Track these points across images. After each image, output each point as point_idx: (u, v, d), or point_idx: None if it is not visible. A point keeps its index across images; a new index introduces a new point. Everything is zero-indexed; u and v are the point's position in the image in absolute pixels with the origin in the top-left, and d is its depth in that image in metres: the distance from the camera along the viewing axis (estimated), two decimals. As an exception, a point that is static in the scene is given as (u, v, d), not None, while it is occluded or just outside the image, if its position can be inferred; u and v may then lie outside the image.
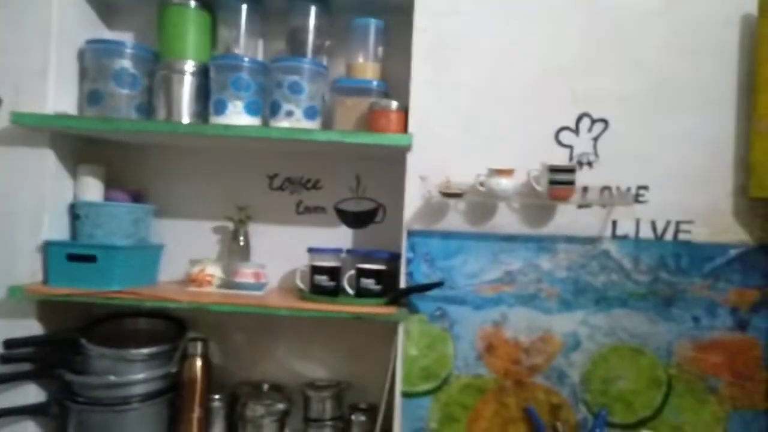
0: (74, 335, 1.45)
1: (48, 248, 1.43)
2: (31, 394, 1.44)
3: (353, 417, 1.58)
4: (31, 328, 1.44)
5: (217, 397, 1.54)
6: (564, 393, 1.39)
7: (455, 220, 1.43)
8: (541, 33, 1.42)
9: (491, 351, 1.41)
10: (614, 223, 1.40)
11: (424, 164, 1.41)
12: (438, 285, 1.37)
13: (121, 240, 1.48)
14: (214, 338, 1.57)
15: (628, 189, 1.39)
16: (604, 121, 1.40)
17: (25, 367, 1.42)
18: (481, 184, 1.36)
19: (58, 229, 1.49)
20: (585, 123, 1.40)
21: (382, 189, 1.65)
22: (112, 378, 1.40)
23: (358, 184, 1.66)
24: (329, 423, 1.56)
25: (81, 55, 1.54)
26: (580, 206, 1.40)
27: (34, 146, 1.44)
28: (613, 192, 1.38)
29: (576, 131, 1.40)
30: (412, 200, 1.43)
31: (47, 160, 1.45)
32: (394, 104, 1.42)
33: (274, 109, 1.46)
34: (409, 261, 1.42)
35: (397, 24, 1.51)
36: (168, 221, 1.66)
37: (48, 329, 1.47)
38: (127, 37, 1.64)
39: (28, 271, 1.43)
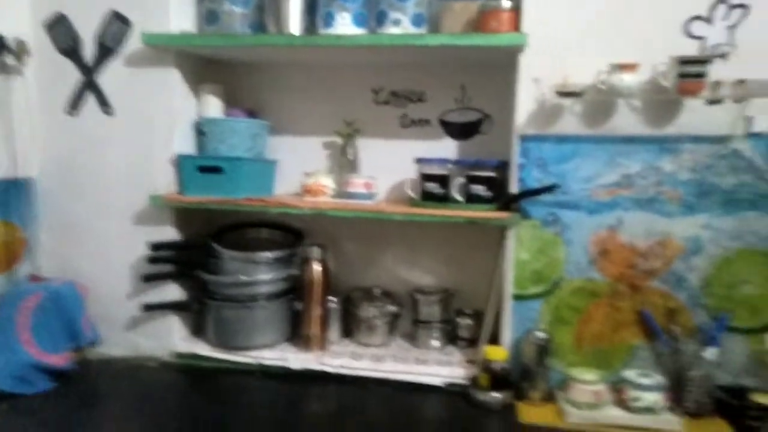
0: (207, 240, 1.60)
1: (180, 161, 1.56)
2: (173, 292, 1.62)
3: (459, 320, 1.65)
4: (169, 233, 1.60)
5: (334, 299, 1.65)
6: (682, 297, 1.36)
7: (570, 123, 1.38)
8: None
9: (605, 255, 1.39)
10: (749, 119, 1.30)
11: (538, 65, 1.36)
12: (551, 188, 1.36)
13: (243, 153, 1.58)
14: (329, 247, 1.67)
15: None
16: (744, 7, 1.27)
17: (167, 268, 1.59)
18: (602, 82, 1.30)
19: (185, 145, 1.61)
20: (721, 10, 1.28)
21: (487, 99, 1.63)
22: (243, 278, 1.55)
23: (464, 93, 1.65)
24: (437, 325, 1.64)
25: (196, -24, 1.60)
26: (711, 102, 1.31)
27: (161, 66, 1.54)
28: (749, 84, 1.27)
29: (709, 20, 1.29)
30: (524, 104, 1.40)
31: (173, 78, 1.55)
32: (506, 3, 1.37)
33: (380, 19, 1.46)
34: (521, 167, 1.41)
35: None
36: (280, 138, 1.74)
37: (183, 236, 1.63)
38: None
39: (164, 181, 1.57)
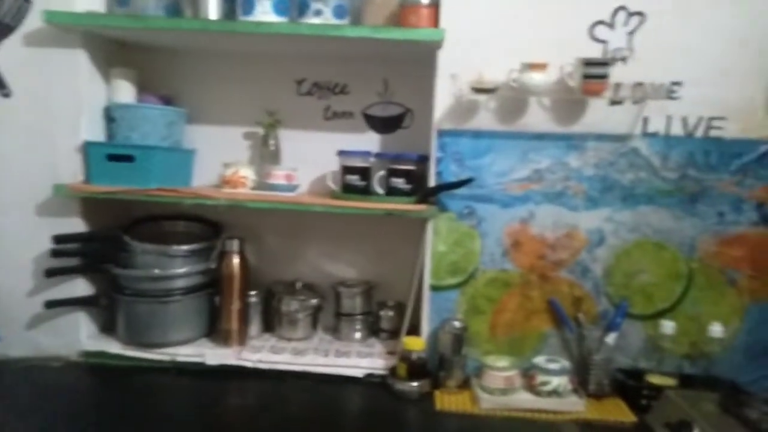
0: (118, 233, 1.52)
1: (88, 148, 1.47)
2: (81, 288, 1.53)
3: (382, 312, 1.67)
4: (76, 225, 1.50)
5: (253, 293, 1.62)
6: (587, 286, 1.45)
7: (486, 119, 1.43)
8: None
9: (517, 247, 1.45)
10: (645, 120, 1.40)
11: (455, 62, 1.40)
12: (467, 182, 1.40)
13: (157, 142, 1.52)
14: (249, 240, 1.64)
15: (662, 84, 1.37)
16: (641, 14, 1.37)
17: (74, 262, 1.50)
18: (514, 80, 1.35)
19: (93, 132, 1.52)
20: (621, 16, 1.37)
21: (410, 93, 1.65)
22: (156, 271, 1.49)
23: (386, 88, 1.66)
24: (359, 317, 1.65)
25: (106, -47, 1.52)
26: (613, 103, 1.39)
27: (66, 47, 1.45)
28: (646, 87, 1.37)
29: (611, 25, 1.38)
30: (443, 99, 1.43)
31: (80, 61, 1.46)
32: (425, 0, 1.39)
33: (302, 9, 1.45)
34: (438, 160, 1.45)
35: None
36: (199, 127, 1.69)
37: (91, 228, 1.54)
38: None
39: (70, 171, 1.48)
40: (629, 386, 1.37)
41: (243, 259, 1.56)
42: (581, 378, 1.39)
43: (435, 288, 1.48)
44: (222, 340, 1.55)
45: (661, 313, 1.43)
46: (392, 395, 1.39)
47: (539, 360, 1.39)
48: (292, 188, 1.58)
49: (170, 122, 1.56)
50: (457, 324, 1.42)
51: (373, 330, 1.68)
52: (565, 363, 1.38)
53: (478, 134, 1.44)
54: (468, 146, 1.44)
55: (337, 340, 1.65)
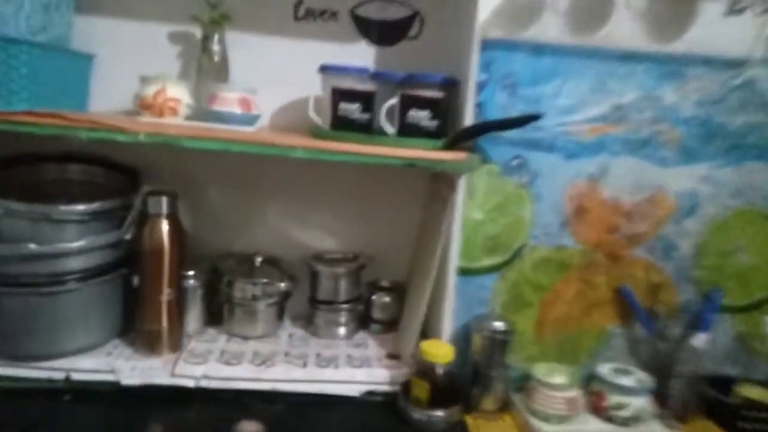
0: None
1: None
2: None
3: (374, 297, 1.22)
4: None
5: (191, 273, 1.11)
6: (668, 269, 1.07)
7: (552, 26, 0.96)
8: None
9: (582, 215, 1.04)
10: (774, 39, 0.99)
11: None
12: (535, 118, 0.92)
13: (26, 34, 0.92)
14: (184, 196, 1.10)
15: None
16: None
17: None
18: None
19: None
20: None
21: (421, -13, 1.14)
22: (33, 247, 0.93)
23: (390, -24, 1.14)
24: (344, 306, 1.18)
25: None
26: (730, 11, 0.97)
27: None
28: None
29: None
30: (487, -5, 0.94)
31: None
32: None
33: None
34: (480, 86, 0.97)
35: None
36: (100, 20, 1.10)
37: None
38: None
39: None
40: (724, 404, 1.03)
41: (175, 225, 1.03)
42: (660, 394, 1.03)
43: (464, 271, 1.04)
44: (144, 346, 1.04)
45: (759, 305, 1.09)
46: (404, 422, 0.96)
47: (605, 371, 1.01)
48: (251, 120, 1.05)
49: (47, 4, 0.96)
50: (498, 325, 1.00)
51: (361, 320, 1.23)
52: (641, 376, 1.01)
53: (539, 49, 0.97)
54: (525, 66, 0.97)
55: (314, 337, 1.18)
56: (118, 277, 1.05)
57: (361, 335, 1.21)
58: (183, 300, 1.09)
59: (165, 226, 1.02)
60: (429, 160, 0.93)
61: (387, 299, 1.21)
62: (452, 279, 1.02)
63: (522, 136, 0.99)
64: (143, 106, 1.01)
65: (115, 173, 1.12)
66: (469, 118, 0.97)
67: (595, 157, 1.01)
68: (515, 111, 0.99)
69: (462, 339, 1.04)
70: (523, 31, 0.96)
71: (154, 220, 1.02)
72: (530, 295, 1.06)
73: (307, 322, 1.21)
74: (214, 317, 1.17)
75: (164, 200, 1.02)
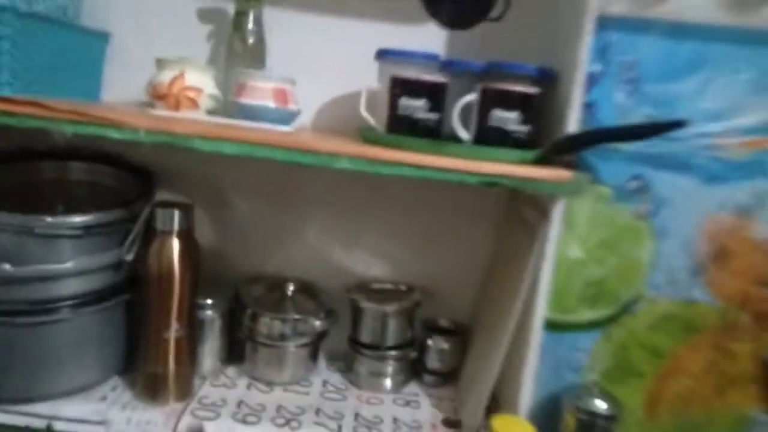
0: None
1: None
2: None
3: (431, 342, 0.98)
4: None
5: (209, 302, 0.91)
6: (840, 339, 0.78)
7: (697, 0, 0.70)
8: None
9: (724, 260, 0.76)
10: None
11: None
12: (677, 126, 0.66)
13: (18, 2, 0.74)
14: (201, 207, 0.90)
15: None
16: None
17: None
18: None
19: None
20: None
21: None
22: (7, 268, 0.74)
23: (471, -62, 0.90)
24: (392, 354, 0.95)
25: None
26: None
27: None
28: None
29: None
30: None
31: None
32: None
33: None
34: (593, 79, 0.72)
35: None
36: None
37: None
38: None
39: None
40: None
41: (188, 245, 0.83)
42: None
43: (555, 326, 0.79)
44: (146, 392, 0.84)
45: None
46: None
47: (747, 475, 0.74)
48: (287, 117, 0.84)
49: (46, -35, 0.78)
50: (600, 405, 0.74)
51: (413, 368, 0.99)
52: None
53: (678, 30, 0.70)
54: (655, 54, 0.71)
55: (353, 387, 0.96)
56: (120, 304, 0.86)
57: (412, 388, 0.97)
58: (197, 335, 0.89)
59: (176, 246, 0.82)
60: (519, 178, 0.68)
61: (446, 345, 0.97)
62: (537, 334, 0.77)
63: (644, 150, 0.73)
64: (157, 95, 0.82)
65: (124, 174, 0.93)
66: (573, 123, 0.72)
67: (749, 181, 0.74)
68: (638, 115, 0.73)
69: (546, 415, 0.78)
70: (656, 5, 0.70)
71: (162, 238, 0.82)
72: (643, 363, 0.79)
73: (347, 366, 0.98)
74: (234, 354, 0.96)
75: (176, 214, 0.81)
